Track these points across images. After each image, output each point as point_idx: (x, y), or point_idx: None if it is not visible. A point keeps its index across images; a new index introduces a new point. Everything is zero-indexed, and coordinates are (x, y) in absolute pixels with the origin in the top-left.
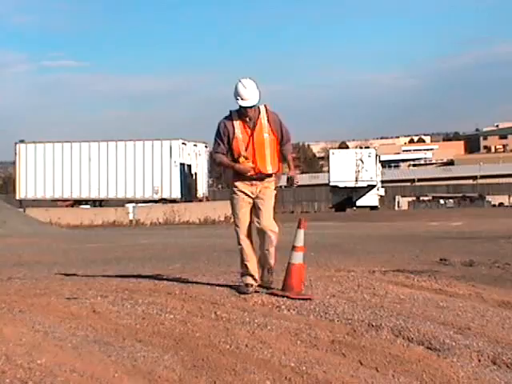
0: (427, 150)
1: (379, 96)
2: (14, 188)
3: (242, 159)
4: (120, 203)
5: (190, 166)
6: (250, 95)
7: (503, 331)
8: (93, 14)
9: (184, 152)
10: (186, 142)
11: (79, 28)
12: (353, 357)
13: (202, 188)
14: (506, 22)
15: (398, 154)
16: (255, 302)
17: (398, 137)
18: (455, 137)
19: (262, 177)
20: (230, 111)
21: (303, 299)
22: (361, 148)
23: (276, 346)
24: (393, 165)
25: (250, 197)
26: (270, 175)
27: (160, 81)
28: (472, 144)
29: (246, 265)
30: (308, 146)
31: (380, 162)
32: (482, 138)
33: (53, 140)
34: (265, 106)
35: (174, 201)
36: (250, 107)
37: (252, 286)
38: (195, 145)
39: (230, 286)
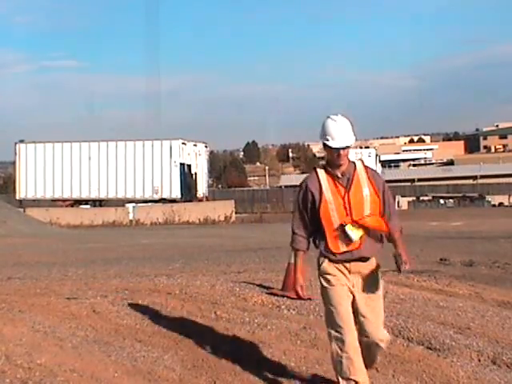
0: (427, 149)
1: (379, 96)
2: (14, 188)
3: (349, 227)
4: (120, 203)
5: (189, 166)
6: (342, 133)
7: (503, 331)
8: (93, 13)
9: (184, 152)
10: (185, 142)
11: (79, 28)
12: None
13: (201, 188)
14: (505, 22)
15: (398, 153)
16: (255, 302)
17: (398, 137)
18: (455, 137)
19: (362, 257)
20: (315, 167)
21: (303, 299)
22: (361, 148)
23: (276, 346)
24: (393, 165)
25: (347, 286)
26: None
27: (160, 81)
28: (472, 144)
29: (355, 382)
30: (308, 145)
31: (380, 161)
32: (481, 138)
33: (53, 140)
34: (361, 160)
35: (173, 201)
36: (344, 148)
37: None
38: (195, 145)
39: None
